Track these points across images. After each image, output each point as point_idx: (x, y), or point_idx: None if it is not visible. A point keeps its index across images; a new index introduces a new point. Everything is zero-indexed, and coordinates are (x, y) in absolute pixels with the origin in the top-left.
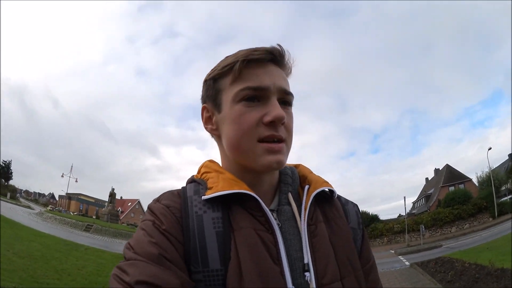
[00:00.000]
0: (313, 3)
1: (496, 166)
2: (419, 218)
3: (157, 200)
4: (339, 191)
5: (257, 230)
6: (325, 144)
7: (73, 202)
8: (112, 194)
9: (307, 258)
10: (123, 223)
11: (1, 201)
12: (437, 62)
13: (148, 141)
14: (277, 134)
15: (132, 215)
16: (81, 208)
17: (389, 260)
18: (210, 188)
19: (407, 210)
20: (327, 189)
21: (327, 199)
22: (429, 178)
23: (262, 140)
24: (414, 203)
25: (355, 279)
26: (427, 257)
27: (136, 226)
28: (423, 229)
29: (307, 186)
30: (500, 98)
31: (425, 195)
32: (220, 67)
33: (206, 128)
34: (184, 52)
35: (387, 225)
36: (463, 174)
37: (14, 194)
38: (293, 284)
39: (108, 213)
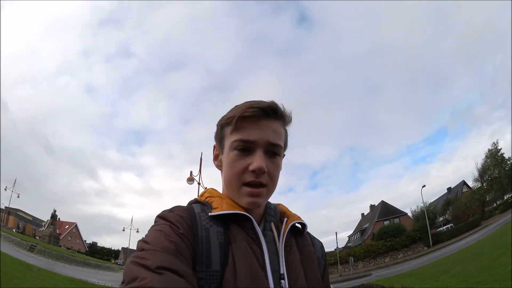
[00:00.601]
0: (265, 40)
1: (436, 198)
2: (352, 251)
3: (171, 211)
4: None
5: (249, 243)
6: None
7: (11, 218)
8: (54, 216)
9: (283, 269)
10: (60, 246)
11: None
12: (383, 103)
13: (88, 162)
14: (257, 180)
15: (69, 238)
16: (19, 225)
17: None
18: (215, 208)
19: (344, 243)
20: (301, 223)
21: (299, 232)
22: (365, 214)
23: (246, 184)
24: (349, 236)
25: None
26: (354, 285)
27: (76, 251)
28: (352, 260)
29: (285, 219)
30: (444, 135)
31: (360, 229)
32: (226, 117)
33: (214, 163)
34: (135, 75)
35: None
36: (398, 209)
37: None
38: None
39: (50, 235)
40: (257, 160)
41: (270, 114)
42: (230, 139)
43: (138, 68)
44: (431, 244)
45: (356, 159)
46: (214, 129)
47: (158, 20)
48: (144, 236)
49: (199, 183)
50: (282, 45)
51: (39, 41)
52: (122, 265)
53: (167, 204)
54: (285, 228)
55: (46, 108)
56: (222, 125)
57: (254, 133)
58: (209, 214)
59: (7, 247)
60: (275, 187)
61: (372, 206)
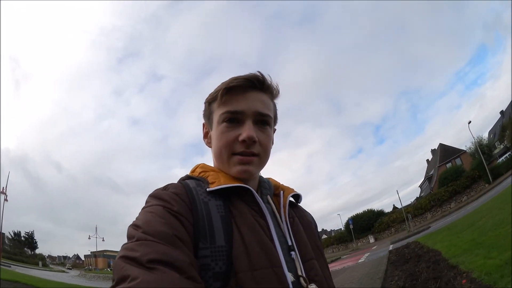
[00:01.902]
0: (281, 15)
1: (492, 125)
2: (419, 203)
3: (164, 188)
4: (357, 191)
5: (253, 216)
6: (331, 148)
7: (100, 260)
8: None
9: (290, 241)
10: None
11: (37, 270)
12: (415, 39)
13: (157, 186)
14: (248, 151)
15: None
16: (110, 263)
17: (381, 250)
18: (213, 183)
19: (418, 194)
20: (297, 194)
21: (293, 205)
22: (429, 160)
23: (236, 154)
24: (420, 186)
25: (324, 262)
26: (407, 242)
27: None
28: (410, 218)
29: (281, 191)
30: (485, 51)
31: (428, 177)
32: (212, 93)
33: (204, 141)
34: (172, 93)
35: (391, 217)
36: (456, 148)
37: (44, 262)
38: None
39: None
40: (246, 130)
41: (256, 85)
42: (218, 113)
43: (172, 86)
44: (491, 180)
45: (412, 101)
46: None
47: (172, 37)
48: (134, 219)
49: None
50: (297, 15)
51: (67, 99)
52: None
53: None
54: (285, 200)
55: (99, 153)
56: (209, 102)
57: (241, 104)
58: (207, 189)
59: (109, 284)
60: (267, 158)
61: (433, 151)
